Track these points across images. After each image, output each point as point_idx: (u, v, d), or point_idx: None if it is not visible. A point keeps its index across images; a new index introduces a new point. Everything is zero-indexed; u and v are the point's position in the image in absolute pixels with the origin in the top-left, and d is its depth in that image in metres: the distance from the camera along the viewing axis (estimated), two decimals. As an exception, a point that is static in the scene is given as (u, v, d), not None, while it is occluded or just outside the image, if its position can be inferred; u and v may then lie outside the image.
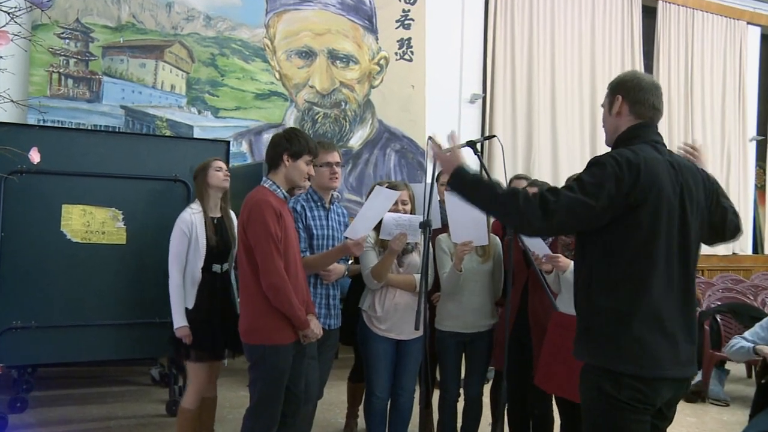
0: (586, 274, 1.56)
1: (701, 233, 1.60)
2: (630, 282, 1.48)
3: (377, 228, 2.50)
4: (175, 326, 2.55)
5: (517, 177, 3.11)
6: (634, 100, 1.60)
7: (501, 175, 3.32)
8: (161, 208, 3.18)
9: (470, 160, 2.32)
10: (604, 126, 1.69)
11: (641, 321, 1.46)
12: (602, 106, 1.69)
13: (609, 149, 1.63)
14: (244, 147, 4.97)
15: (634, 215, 1.48)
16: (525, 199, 1.48)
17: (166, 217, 2.90)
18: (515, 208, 1.48)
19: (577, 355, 1.57)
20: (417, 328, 1.93)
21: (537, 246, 2.32)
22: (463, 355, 2.69)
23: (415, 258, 2.60)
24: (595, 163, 1.52)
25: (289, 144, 2.21)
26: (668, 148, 1.63)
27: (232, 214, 2.82)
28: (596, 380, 1.50)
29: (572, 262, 2.32)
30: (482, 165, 2.44)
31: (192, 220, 2.61)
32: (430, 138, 2.16)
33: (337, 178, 2.50)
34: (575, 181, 1.51)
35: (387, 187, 2.43)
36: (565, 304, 2.31)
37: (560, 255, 2.34)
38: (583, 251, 1.58)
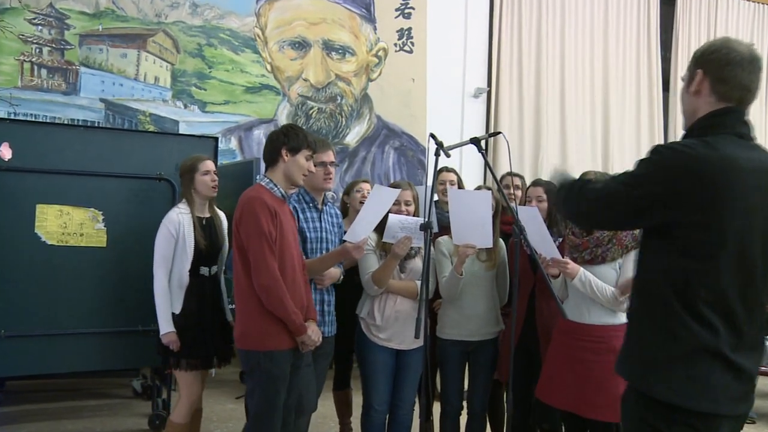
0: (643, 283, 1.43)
1: None
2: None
3: (379, 230, 2.50)
4: (162, 332, 2.56)
5: (534, 184, 3.06)
6: (718, 77, 1.37)
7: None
8: (144, 209, 3.18)
9: (473, 158, 2.33)
10: (681, 106, 1.50)
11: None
12: (681, 79, 1.49)
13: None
14: (234, 144, 4.97)
15: (698, 223, 1.32)
16: (574, 183, 1.49)
17: (149, 218, 2.90)
18: (562, 191, 1.50)
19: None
20: (417, 337, 1.93)
21: (545, 247, 2.31)
22: (467, 365, 2.69)
23: (418, 263, 2.60)
24: (652, 151, 1.38)
25: (286, 138, 2.24)
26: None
27: (222, 215, 2.82)
28: (641, 411, 1.38)
29: (581, 269, 2.33)
30: (487, 163, 2.45)
31: (180, 220, 2.62)
32: (431, 135, 2.17)
33: (331, 178, 2.52)
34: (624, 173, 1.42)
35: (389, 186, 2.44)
36: (573, 311, 2.32)
37: (569, 260, 2.34)
38: (644, 257, 1.46)
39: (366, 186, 3.13)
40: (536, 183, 2.78)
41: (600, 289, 2.30)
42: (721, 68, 1.38)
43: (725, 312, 1.34)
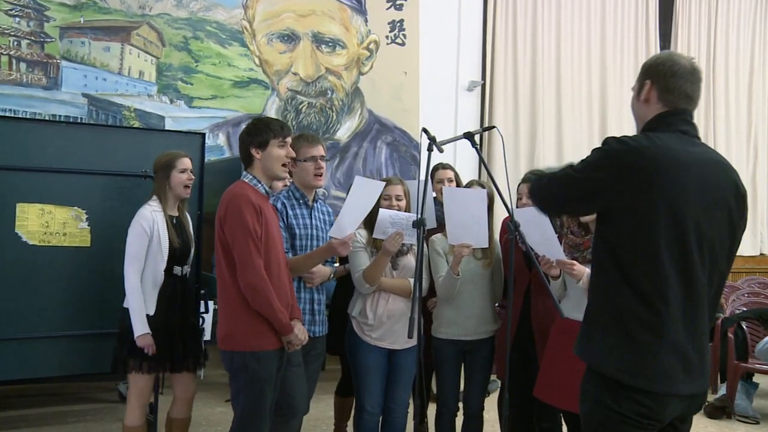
0: (597, 269, 1.58)
1: (729, 242, 1.53)
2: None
3: (370, 227, 2.50)
4: (137, 334, 2.53)
5: (532, 173, 3.07)
6: (664, 87, 1.56)
7: (501, 170, 3.33)
8: (129, 207, 3.13)
9: (468, 153, 2.33)
10: (633, 112, 1.68)
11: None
12: (632, 89, 1.68)
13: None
14: (221, 140, 4.95)
15: (639, 208, 1.46)
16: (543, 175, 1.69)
17: (132, 217, 2.87)
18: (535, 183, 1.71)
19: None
20: (410, 336, 1.94)
21: (549, 249, 2.31)
22: (462, 365, 2.70)
23: (411, 260, 2.61)
24: (603, 141, 1.57)
25: (250, 137, 2.24)
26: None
27: (187, 215, 2.83)
28: (595, 390, 1.51)
29: (588, 270, 2.33)
30: (481, 159, 2.46)
31: (153, 218, 2.61)
32: (424, 129, 2.17)
33: (321, 174, 2.51)
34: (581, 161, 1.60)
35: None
36: (571, 309, 2.33)
37: (575, 262, 2.33)
38: (596, 243, 1.61)
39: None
40: (525, 180, 2.80)
41: None
42: (667, 79, 1.56)
43: (666, 296, 1.45)
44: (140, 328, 2.52)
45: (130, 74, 4.73)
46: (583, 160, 1.57)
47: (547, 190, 1.66)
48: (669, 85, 1.55)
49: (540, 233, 2.26)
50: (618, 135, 1.63)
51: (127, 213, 3.12)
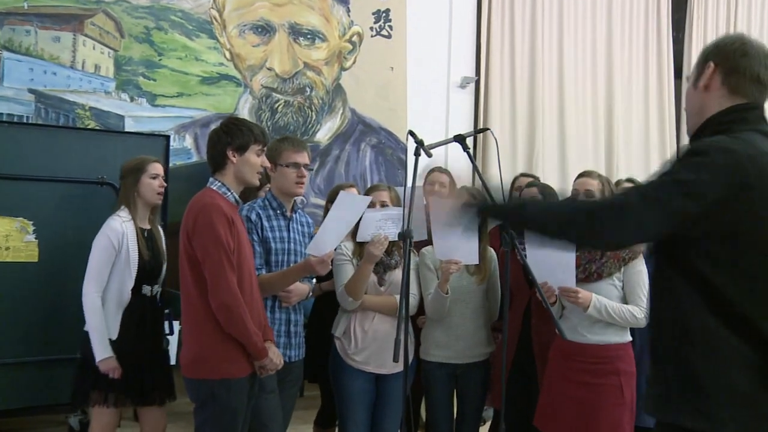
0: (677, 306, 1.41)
1: None
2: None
3: (356, 237, 2.53)
4: (98, 358, 2.53)
5: (523, 175, 3.14)
6: (730, 68, 1.43)
7: (495, 177, 3.36)
8: (83, 218, 3.16)
9: (461, 158, 2.37)
10: (686, 106, 1.56)
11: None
12: (686, 79, 1.56)
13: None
14: (188, 142, 4.96)
15: (746, 228, 1.34)
16: (595, 202, 1.44)
17: (89, 229, 2.87)
18: (585, 215, 1.43)
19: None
20: (396, 360, 1.97)
21: (558, 274, 2.30)
22: (455, 391, 2.73)
23: (399, 275, 2.63)
24: (695, 152, 1.38)
25: (230, 137, 2.25)
26: None
27: (159, 228, 2.83)
28: None
29: (594, 296, 2.36)
30: (473, 163, 2.50)
31: (123, 230, 2.61)
32: (410, 132, 2.21)
33: (303, 183, 2.54)
34: (666, 175, 1.39)
35: (366, 192, 2.47)
36: (571, 330, 2.37)
37: (579, 289, 2.36)
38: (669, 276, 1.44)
39: (354, 192, 3.15)
40: (531, 185, 2.83)
41: (617, 312, 2.37)
42: (735, 59, 1.43)
43: None
44: (102, 351, 2.52)
45: (84, 68, 4.72)
46: (678, 180, 1.35)
47: (634, 220, 1.38)
48: (737, 66, 1.43)
49: (555, 258, 2.21)
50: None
51: (81, 224, 3.13)
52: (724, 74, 1.44)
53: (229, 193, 2.25)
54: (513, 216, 1.62)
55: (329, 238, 2.40)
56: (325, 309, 2.83)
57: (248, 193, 2.56)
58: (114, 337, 2.57)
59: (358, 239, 2.52)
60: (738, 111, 1.43)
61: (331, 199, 3.19)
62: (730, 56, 1.44)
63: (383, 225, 2.48)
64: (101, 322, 2.54)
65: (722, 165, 1.33)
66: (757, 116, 1.44)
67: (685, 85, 1.68)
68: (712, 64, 1.46)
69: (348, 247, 2.60)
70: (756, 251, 1.35)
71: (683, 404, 1.38)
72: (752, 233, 1.35)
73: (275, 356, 2.25)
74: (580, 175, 2.75)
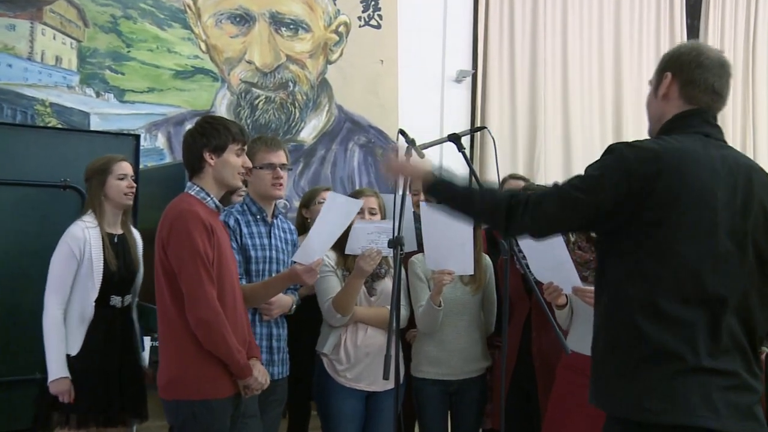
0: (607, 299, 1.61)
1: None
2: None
3: (339, 246, 2.54)
4: (51, 378, 2.53)
5: (512, 177, 3.20)
6: (686, 79, 1.62)
7: (494, 178, 3.40)
8: (44, 225, 3.15)
9: (457, 159, 2.39)
10: (647, 112, 1.74)
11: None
12: (648, 83, 1.75)
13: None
14: (161, 142, 4.95)
15: (660, 221, 1.51)
16: (519, 195, 1.63)
17: (50, 236, 2.87)
18: (490, 202, 1.66)
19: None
20: (386, 377, 1.98)
21: (560, 274, 2.33)
22: (449, 409, 2.74)
23: (390, 285, 2.65)
24: (607, 150, 1.61)
25: (205, 138, 2.26)
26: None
27: (136, 234, 2.82)
28: None
29: None
30: (470, 166, 2.52)
31: (85, 237, 2.61)
32: (400, 131, 2.23)
33: (281, 184, 2.55)
34: (581, 173, 1.62)
35: (350, 196, 2.48)
36: (578, 342, 2.39)
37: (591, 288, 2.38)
38: (603, 266, 1.65)
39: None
40: (514, 176, 2.86)
41: None
42: (691, 70, 1.62)
43: (699, 312, 1.50)
44: (56, 370, 2.52)
45: (43, 60, 4.69)
46: (585, 175, 1.60)
47: (540, 212, 1.61)
48: (693, 77, 1.61)
49: (551, 257, 2.27)
50: (638, 134, 1.69)
51: (41, 232, 3.12)
52: (681, 85, 1.64)
53: (209, 198, 2.26)
54: (445, 186, 1.76)
55: (317, 244, 2.40)
56: (302, 314, 2.80)
57: (222, 199, 2.56)
58: (74, 352, 2.56)
59: (347, 252, 2.53)
60: (682, 117, 1.63)
61: (305, 204, 3.20)
62: (685, 67, 1.64)
63: (376, 238, 2.49)
64: (60, 339, 2.54)
65: (627, 159, 1.53)
66: (700, 120, 1.62)
67: (646, 90, 1.88)
68: (669, 75, 1.66)
69: (331, 257, 2.61)
70: (681, 236, 1.51)
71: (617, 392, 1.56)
72: (677, 219, 1.51)
73: (261, 375, 2.25)
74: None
